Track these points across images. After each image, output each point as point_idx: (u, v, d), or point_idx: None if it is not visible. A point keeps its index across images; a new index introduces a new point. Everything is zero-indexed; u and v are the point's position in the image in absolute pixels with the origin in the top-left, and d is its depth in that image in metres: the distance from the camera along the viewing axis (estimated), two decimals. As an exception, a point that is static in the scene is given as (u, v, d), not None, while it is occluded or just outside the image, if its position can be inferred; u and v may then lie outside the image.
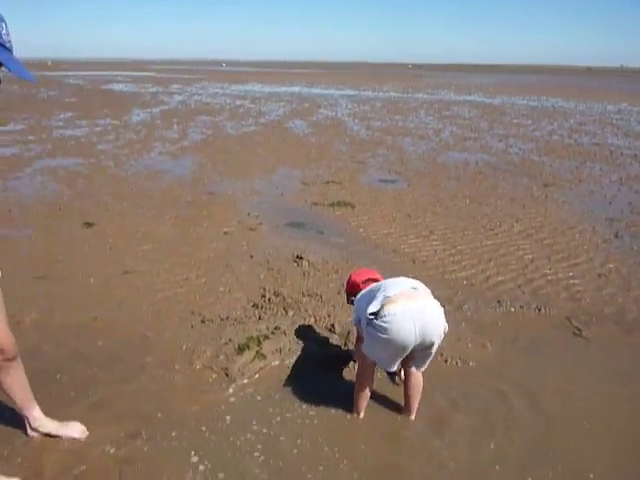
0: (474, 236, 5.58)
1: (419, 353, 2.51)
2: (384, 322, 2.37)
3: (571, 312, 3.87)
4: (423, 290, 2.56)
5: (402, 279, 2.67)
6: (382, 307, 2.40)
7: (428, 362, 2.60)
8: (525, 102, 24.58)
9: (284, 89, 32.63)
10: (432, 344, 2.45)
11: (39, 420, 2.44)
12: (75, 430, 2.48)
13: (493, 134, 13.57)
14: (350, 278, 3.03)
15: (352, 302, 2.93)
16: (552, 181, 8.28)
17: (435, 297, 3.96)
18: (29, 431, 2.46)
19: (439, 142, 12.24)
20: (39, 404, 2.46)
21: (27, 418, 2.43)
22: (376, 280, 2.88)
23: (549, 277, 4.51)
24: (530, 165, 9.58)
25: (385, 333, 2.37)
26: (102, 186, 7.45)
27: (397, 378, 2.99)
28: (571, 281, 4.42)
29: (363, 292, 2.78)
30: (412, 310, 2.37)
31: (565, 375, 3.10)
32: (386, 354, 2.51)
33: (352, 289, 2.97)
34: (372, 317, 2.42)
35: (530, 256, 4.99)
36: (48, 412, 2.49)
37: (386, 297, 2.43)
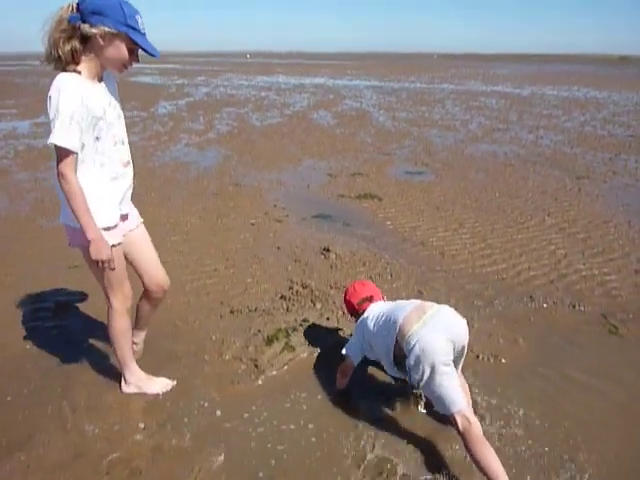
0: (504, 230, 5.47)
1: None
2: (415, 349, 2.27)
3: (607, 309, 3.75)
4: (419, 302, 2.52)
5: (384, 304, 2.72)
6: (404, 336, 2.32)
7: (462, 362, 2.49)
8: (555, 92, 23.93)
9: (309, 80, 32.49)
10: (464, 347, 2.38)
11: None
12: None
13: (522, 125, 13.26)
14: (345, 298, 2.94)
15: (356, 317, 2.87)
16: (585, 173, 8.05)
17: (465, 291, 3.97)
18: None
19: (467, 133, 12.02)
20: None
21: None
22: (371, 297, 2.81)
23: (583, 272, 4.38)
24: (562, 157, 9.33)
25: (424, 355, 2.25)
26: (131, 177, 7.54)
27: (420, 406, 2.68)
28: (606, 277, 4.29)
29: (369, 326, 2.60)
30: (434, 324, 2.31)
31: (599, 373, 3.00)
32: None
33: (351, 310, 2.92)
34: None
35: (563, 251, 4.86)
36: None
37: (400, 328, 2.36)
